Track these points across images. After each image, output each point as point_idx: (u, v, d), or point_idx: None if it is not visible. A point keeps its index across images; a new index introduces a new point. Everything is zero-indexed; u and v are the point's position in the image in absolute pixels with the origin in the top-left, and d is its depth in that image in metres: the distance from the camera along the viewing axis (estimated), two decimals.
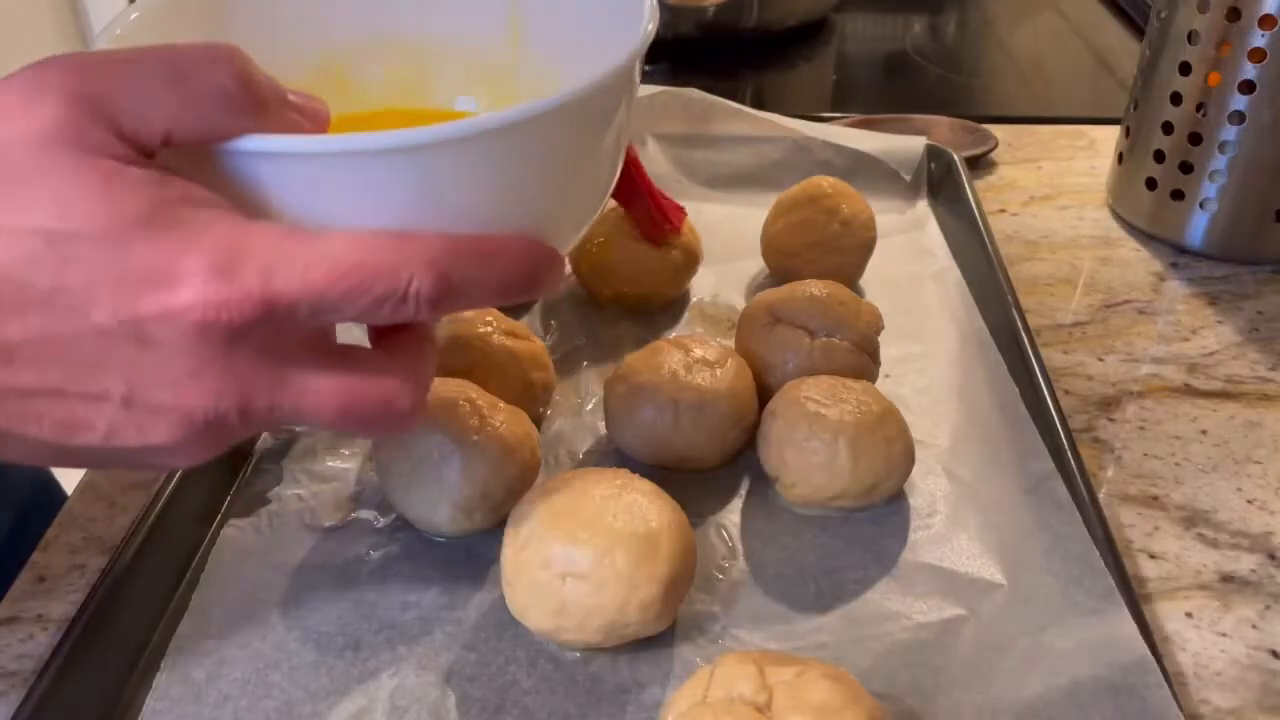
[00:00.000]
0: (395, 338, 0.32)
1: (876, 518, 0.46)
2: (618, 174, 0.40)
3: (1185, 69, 0.63)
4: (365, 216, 0.29)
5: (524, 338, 0.51)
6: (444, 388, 0.45)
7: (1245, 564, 0.45)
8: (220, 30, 0.39)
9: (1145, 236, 0.68)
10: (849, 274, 0.59)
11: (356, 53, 0.44)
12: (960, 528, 0.45)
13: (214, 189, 0.29)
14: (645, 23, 0.37)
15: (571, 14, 0.40)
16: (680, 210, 0.59)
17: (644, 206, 0.56)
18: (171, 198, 0.27)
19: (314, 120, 0.32)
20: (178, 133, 0.28)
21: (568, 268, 0.60)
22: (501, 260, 0.31)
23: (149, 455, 0.29)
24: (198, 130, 0.28)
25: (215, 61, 0.28)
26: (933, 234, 0.66)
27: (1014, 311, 0.55)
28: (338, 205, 0.30)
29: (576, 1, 0.41)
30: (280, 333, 0.28)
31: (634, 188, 0.56)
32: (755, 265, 0.63)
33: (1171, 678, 0.38)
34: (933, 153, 0.70)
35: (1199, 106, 0.62)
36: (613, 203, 0.59)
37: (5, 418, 0.27)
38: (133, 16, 0.37)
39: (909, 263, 0.64)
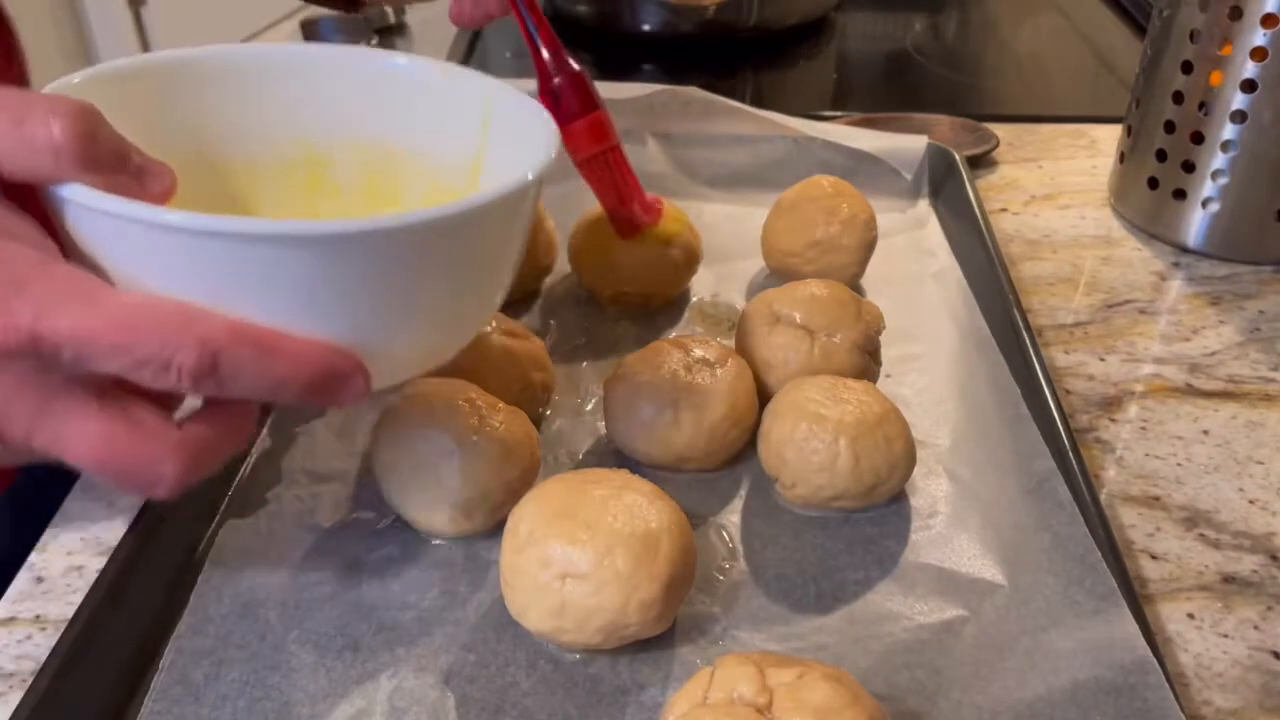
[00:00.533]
0: (210, 405, 0.33)
1: (877, 518, 0.46)
2: (471, 320, 0.39)
3: (1187, 68, 0.63)
4: (166, 284, 0.31)
5: (524, 338, 0.51)
6: (444, 388, 0.45)
7: (1247, 565, 0.45)
8: (182, 105, 0.41)
9: (1147, 236, 0.68)
10: (849, 274, 0.59)
11: (334, 154, 0.46)
12: (961, 528, 0.45)
13: (59, 228, 0.32)
14: (526, 172, 0.36)
15: (525, 148, 0.40)
16: (657, 203, 0.58)
17: (615, 197, 0.56)
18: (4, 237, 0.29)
19: (155, 183, 0.34)
20: (8, 169, 0.30)
21: (567, 268, 0.60)
22: (286, 360, 0.31)
23: None
24: (26, 170, 0.30)
25: (55, 114, 0.30)
26: (934, 233, 0.66)
27: (1015, 311, 0.55)
28: (141, 268, 0.31)
29: (530, 136, 0.41)
30: (48, 369, 0.30)
31: (607, 177, 0.55)
32: (755, 265, 0.63)
33: (1173, 678, 0.38)
34: (934, 152, 0.70)
35: (1201, 105, 0.62)
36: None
37: None
38: (75, 81, 0.37)
39: (909, 262, 0.64)
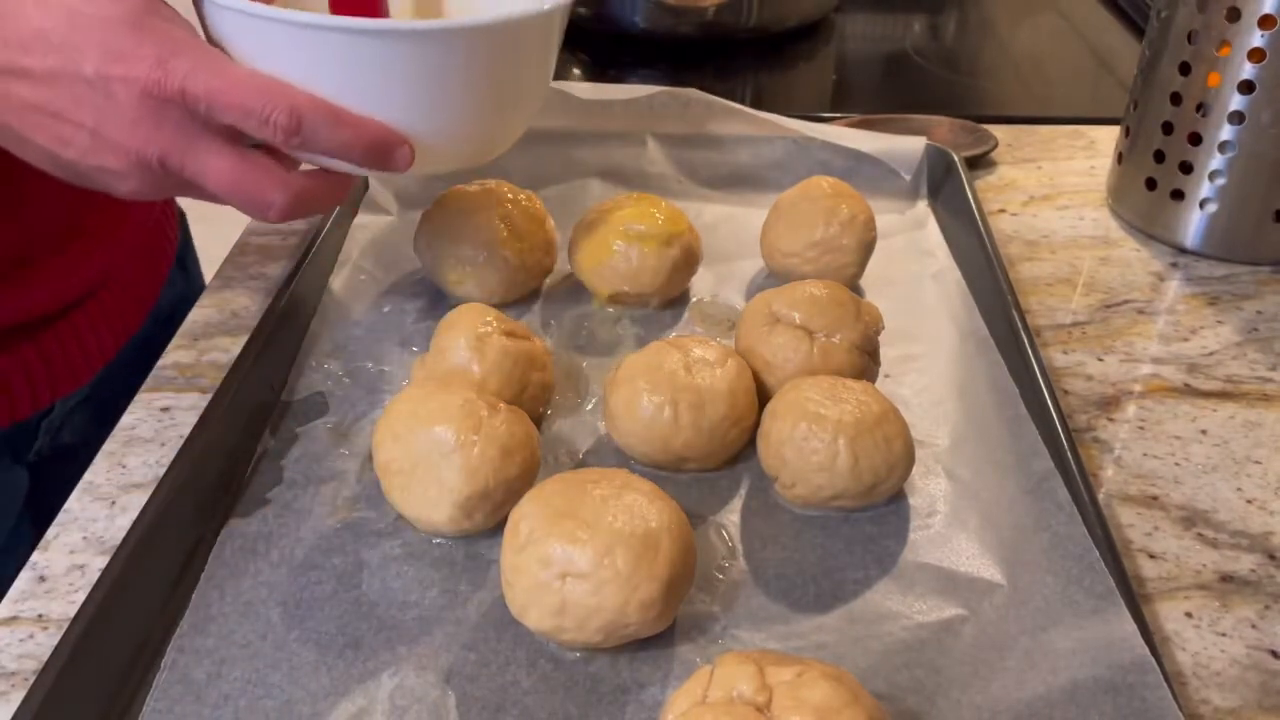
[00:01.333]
0: (288, 160, 0.44)
1: (876, 517, 0.46)
2: (504, 122, 0.50)
3: (1185, 69, 0.63)
4: (275, 68, 0.42)
5: (524, 338, 0.51)
6: (444, 388, 0.45)
7: (1245, 564, 0.45)
8: None
9: (1145, 236, 0.68)
10: (848, 274, 0.59)
11: None
12: (960, 528, 0.45)
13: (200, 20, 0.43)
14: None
15: None
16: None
17: None
18: (154, 10, 0.40)
19: None
20: None
21: (562, 263, 0.61)
22: (349, 130, 0.42)
23: (108, 177, 0.42)
24: None
25: None
26: (933, 234, 0.66)
27: (1014, 311, 0.55)
28: (253, 53, 0.42)
29: None
30: (195, 117, 0.40)
31: None
32: (755, 265, 0.63)
33: (1171, 678, 0.38)
34: (933, 153, 0.70)
35: (1199, 106, 0.63)
36: (603, 199, 0.59)
37: (20, 123, 0.41)
38: None
39: (909, 263, 0.64)
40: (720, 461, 0.49)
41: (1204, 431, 0.52)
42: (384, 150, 0.43)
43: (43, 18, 0.39)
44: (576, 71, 0.95)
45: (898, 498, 0.47)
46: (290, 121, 0.40)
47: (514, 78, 0.47)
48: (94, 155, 0.41)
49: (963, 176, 0.67)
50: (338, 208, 0.60)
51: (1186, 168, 0.64)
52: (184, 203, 0.61)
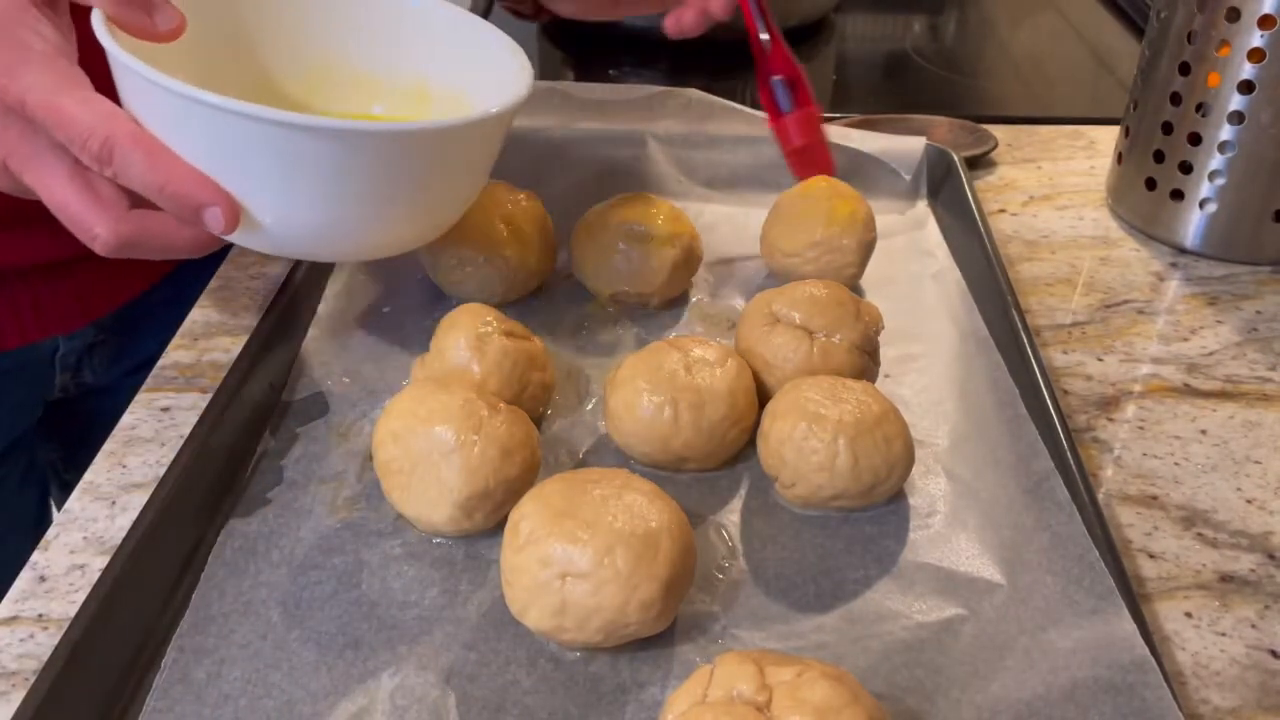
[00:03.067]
0: (152, 209, 0.43)
1: (876, 517, 0.46)
2: (383, 223, 0.47)
3: (1185, 69, 0.63)
4: (127, 101, 0.43)
5: (524, 338, 0.51)
6: (444, 388, 0.45)
7: (1244, 564, 0.45)
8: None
9: (1145, 236, 0.68)
10: (848, 274, 0.59)
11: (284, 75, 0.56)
12: (960, 527, 0.45)
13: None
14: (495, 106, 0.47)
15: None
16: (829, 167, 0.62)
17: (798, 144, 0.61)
18: (27, 25, 0.40)
19: (163, 20, 0.44)
20: None
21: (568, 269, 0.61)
22: (164, 171, 0.41)
23: None
24: None
25: None
26: (932, 234, 0.66)
27: (1014, 311, 0.55)
28: (123, 93, 0.43)
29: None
30: (39, 129, 0.40)
31: (809, 164, 0.62)
32: (755, 265, 0.63)
33: (1171, 677, 0.38)
34: (932, 153, 0.70)
35: (1198, 107, 0.63)
36: (603, 199, 0.59)
37: None
38: None
39: (909, 263, 0.64)
40: (720, 461, 0.49)
41: (1204, 431, 0.52)
42: (190, 204, 0.41)
43: None
44: (574, 71, 0.95)
45: (898, 498, 0.47)
46: (102, 150, 0.39)
47: (375, 185, 0.45)
48: None
49: (963, 176, 0.67)
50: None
51: (1186, 168, 0.64)
52: None
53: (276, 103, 0.52)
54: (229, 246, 0.55)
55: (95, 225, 0.41)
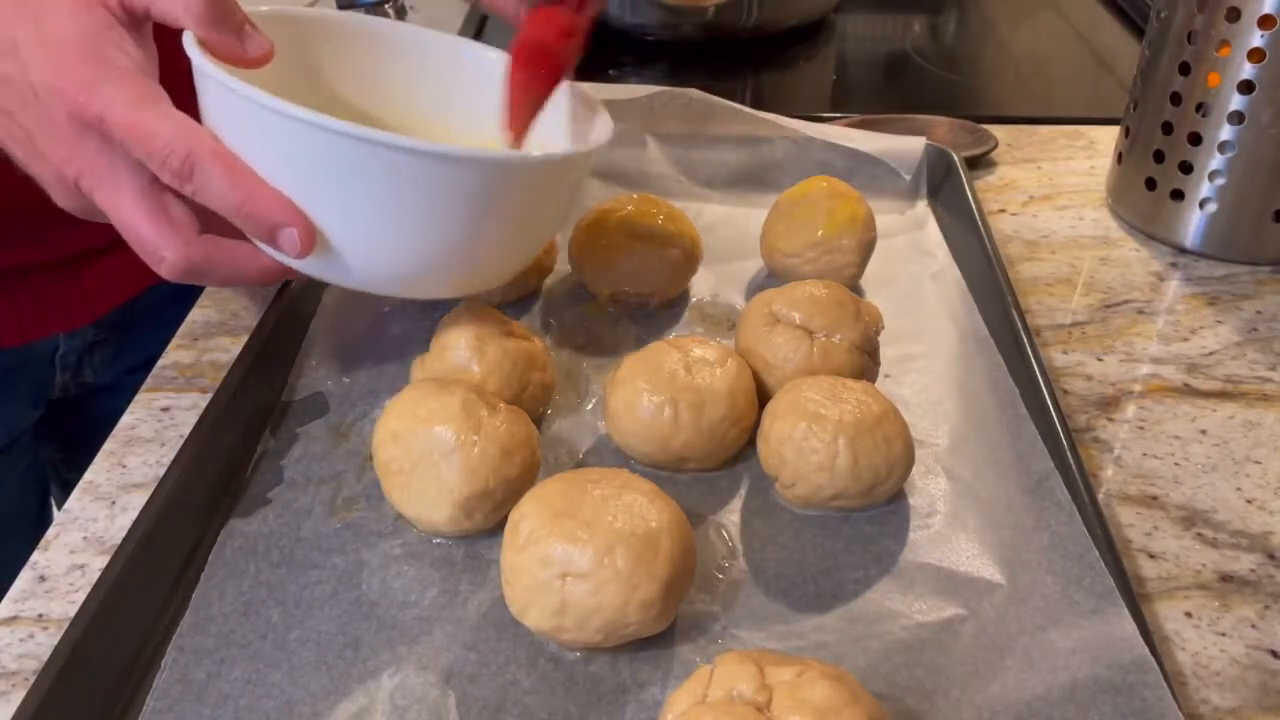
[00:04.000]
0: (208, 218, 0.42)
1: (876, 517, 0.46)
2: (468, 261, 0.46)
3: (1185, 69, 0.63)
4: (209, 119, 0.43)
5: (524, 338, 0.51)
6: (444, 388, 0.45)
7: (1244, 564, 0.45)
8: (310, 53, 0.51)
9: (1145, 236, 0.68)
10: (848, 274, 0.59)
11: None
12: (960, 527, 0.45)
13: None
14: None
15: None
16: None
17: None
18: (112, 42, 0.40)
19: (253, 48, 0.44)
20: (154, 11, 0.41)
21: (563, 262, 0.61)
22: (240, 192, 0.40)
23: (45, 185, 0.42)
24: (163, 13, 0.41)
25: None
26: (932, 234, 0.66)
27: (1014, 311, 0.55)
28: (206, 109, 0.43)
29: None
30: (115, 147, 0.40)
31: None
32: (755, 265, 0.63)
33: (1171, 677, 0.38)
34: (932, 153, 0.70)
35: (1199, 107, 0.63)
36: (603, 199, 0.59)
37: None
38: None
39: (909, 263, 0.64)
40: (720, 461, 0.49)
41: (1204, 431, 0.52)
42: (268, 224, 0.41)
43: (13, 25, 0.40)
44: (575, 71, 0.95)
45: (898, 498, 0.47)
46: (183, 166, 0.39)
47: (472, 221, 0.44)
48: (32, 160, 0.42)
49: (963, 176, 0.67)
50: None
51: (1186, 168, 0.64)
52: None
53: None
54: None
55: (164, 248, 0.41)
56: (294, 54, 0.50)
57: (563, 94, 0.51)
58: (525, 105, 0.50)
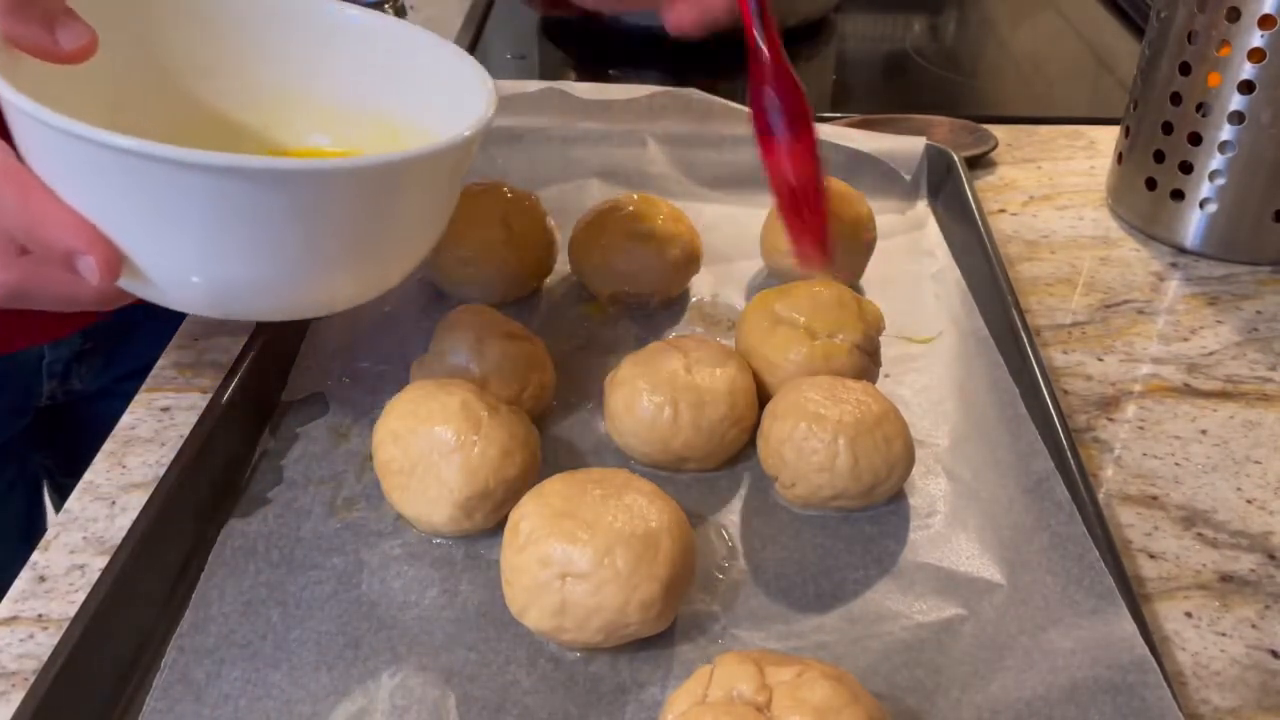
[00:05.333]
0: (33, 257, 0.39)
1: (876, 518, 0.46)
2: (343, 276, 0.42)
3: (1185, 69, 0.63)
4: (19, 142, 0.38)
5: (524, 338, 0.51)
6: (444, 388, 0.45)
7: (1245, 564, 0.45)
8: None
9: (1145, 236, 0.68)
10: (849, 274, 0.59)
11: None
12: (960, 528, 0.45)
13: None
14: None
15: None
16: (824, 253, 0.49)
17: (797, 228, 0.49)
18: None
19: (68, 39, 0.39)
20: None
21: (558, 266, 0.61)
22: (38, 212, 0.37)
23: None
24: None
25: None
26: (933, 234, 0.66)
27: (1014, 311, 0.55)
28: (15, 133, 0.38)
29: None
30: None
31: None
32: (755, 265, 0.63)
33: (1171, 677, 0.38)
34: (932, 153, 0.70)
35: (1199, 106, 0.62)
36: (603, 199, 0.59)
37: None
38: None
39: (909, 263, 0.64)
40: (720, 461, 0.49)
41: (1204, 431, 0.52)
42: (60, 250, 0.37)
43: None
44: (574, 71, 0.95)
45: (898, 498, 0.47)
46: None
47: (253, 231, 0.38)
48: None
49: (963, 176, 0.67)
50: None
51: (1186, 168, 0.64)
52: None
53: (226, 138, 0.48)
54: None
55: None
56: (139, 38, 0.46)
57: (448, 66, 0.48)
58: (809, 243, 0.48)
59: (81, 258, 0.37)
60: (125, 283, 0.40)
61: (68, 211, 0.37)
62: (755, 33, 0.47)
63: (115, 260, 0.38)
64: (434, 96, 0.48)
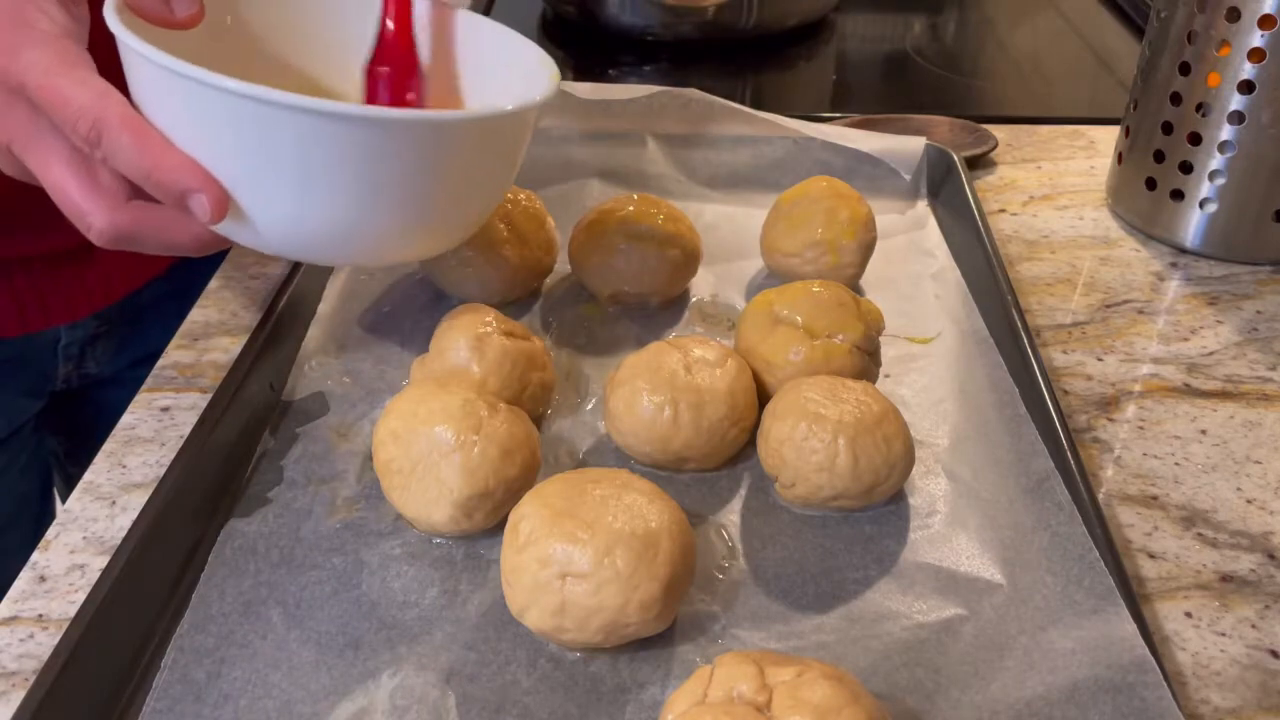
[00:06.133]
0: (150, 203, 0.42)
1: (876, 518, 0.46)
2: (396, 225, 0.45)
3: (1185, 69, 0.63)
4: (138, 97, 0.41)
5: (524, 338, 0.51)
6: (444, 388, 0.45)
7: (1245, 564, 0.45)
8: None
9: (1145, 236, 0.68)
10: (848, 274, 0.59)
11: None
12: (960, 528, 0.45)
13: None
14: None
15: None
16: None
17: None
18: (36, 5, 0.40)
19: (179, 9, 0.43)
20: None
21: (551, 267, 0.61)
22: (149, 158, 0.39)
23: None
24: None
25: None
26: (933, 234, 0.66)
27: (1014, 311, 0.55)
28: (130, 80, 0.42)
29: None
30: (39, 113, 0.39)
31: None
32: (755, 265, 0.63)
33: (1171, 677, 0.38)
34: (932, 153, 0.70)
35: (1199, 107, 0.63)
36: (603, 199, 0.59)
37: None
38: None
39: (909, 263, 0.64)
40: (720, 461, 0.49)
41: (1204, 431, 0.52)
42: (175, 190, 0.40)
43: None
44: (574, 71, 0.95)
45: (898, 498, 0.47)
46: (91, 131, 0.38)
47: (391, 181, 0.42)
48: None
49: (963, 176, 0.67)
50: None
51: (1186, 168, 0.64)
52: None
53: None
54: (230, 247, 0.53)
55: (91, 214, 0.40)
56: (238, 15, 0.50)
57: (508, 44, 0.51)
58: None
59: (194, 196, 0.40)
60: (227, 226, 0.42)
61: (181, 154, 0.40)
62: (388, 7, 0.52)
63: (224, 199, 0.41)
64: (501, 77, 0.51)
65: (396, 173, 0.42)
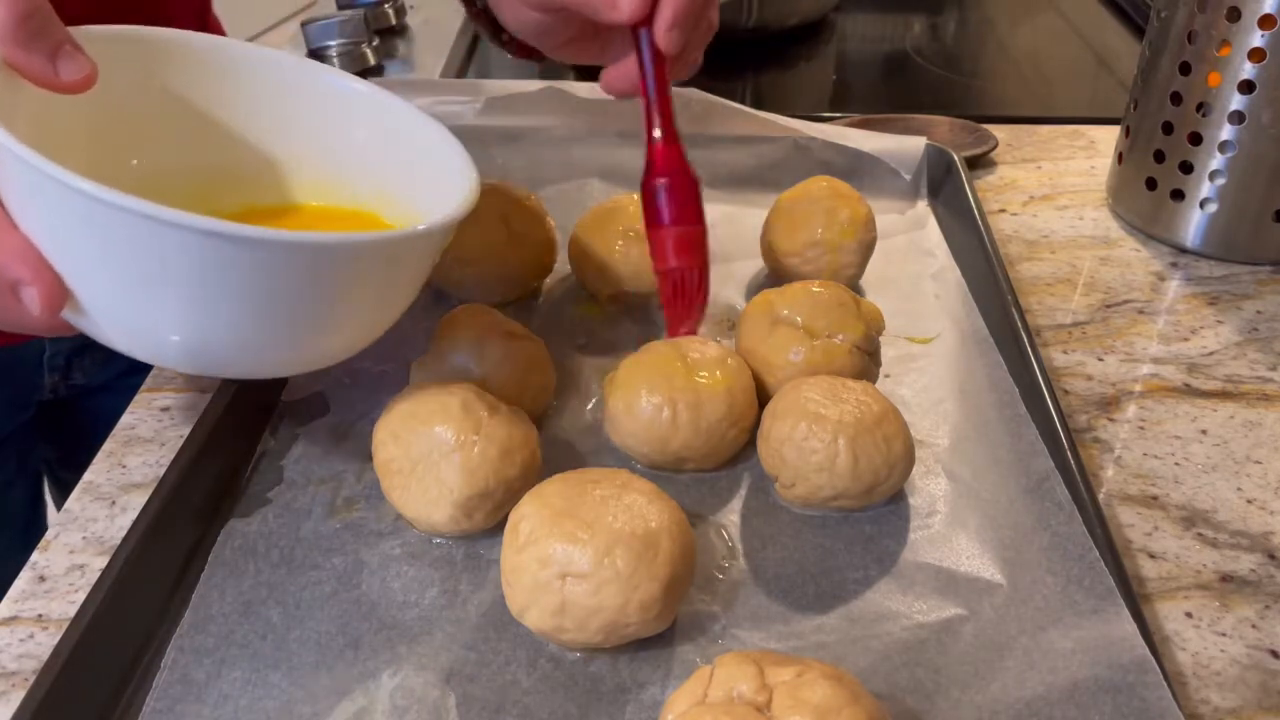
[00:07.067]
0: None
1: (876, 517, 0.46)
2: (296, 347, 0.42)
3: (1185, 69, 0.63)
4: None
5: (524, 338, 0.51)
6: (444, 388, 0.45)
7: (1245, 564, 0.45)
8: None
9: (1145, 236, 0.68)
10: (848, 274, 0.59)
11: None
12: (960, 527, 0.45)
13: None
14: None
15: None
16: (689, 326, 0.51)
17: (677, 311, 0.50)
18: None
19: (69, 70, 0.39)
20: None
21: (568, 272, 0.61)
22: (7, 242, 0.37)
23: None
24: None
25: None
26: (933, 234, 0.66)
27: (1014, 311, 0.55)
28: None
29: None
30: None
31: (679, 293, 0.50)
32: (755, 265, 0.63)
33: (1171, 677, 0.38)
34: (932, 153, 0.70)
35: (1199, 106, 0.62)
36: (603, 199, 0.59)
37: None
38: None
39: (909, 263, 0.64)
40: (720, 461, 0.49)
41: (1204, 431, 0.52)
42: (6, 278, 0.37)
43: None
44: (574, 71, 0.95)
45: (898, 498, 0.47)
46: None
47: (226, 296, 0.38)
48: None
49: (963, 176, 0.67)
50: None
51: (1186, 168, 0.64)
52: None
53: (203, 190, 0.48)
54: None
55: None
56: (144, 78, 0.46)
57: (430, 141, 0.49)
58: (681, 328, 0.50)
59: (25, 288, 0.37)
60: (75, 319, 0.40)
61: (18, 239, 0.37)
62: (652, 121, 0.50)
63: (58, 294, 0.38)
64: (419, 174, 0.49)
65: (237, 287, 0.38)
